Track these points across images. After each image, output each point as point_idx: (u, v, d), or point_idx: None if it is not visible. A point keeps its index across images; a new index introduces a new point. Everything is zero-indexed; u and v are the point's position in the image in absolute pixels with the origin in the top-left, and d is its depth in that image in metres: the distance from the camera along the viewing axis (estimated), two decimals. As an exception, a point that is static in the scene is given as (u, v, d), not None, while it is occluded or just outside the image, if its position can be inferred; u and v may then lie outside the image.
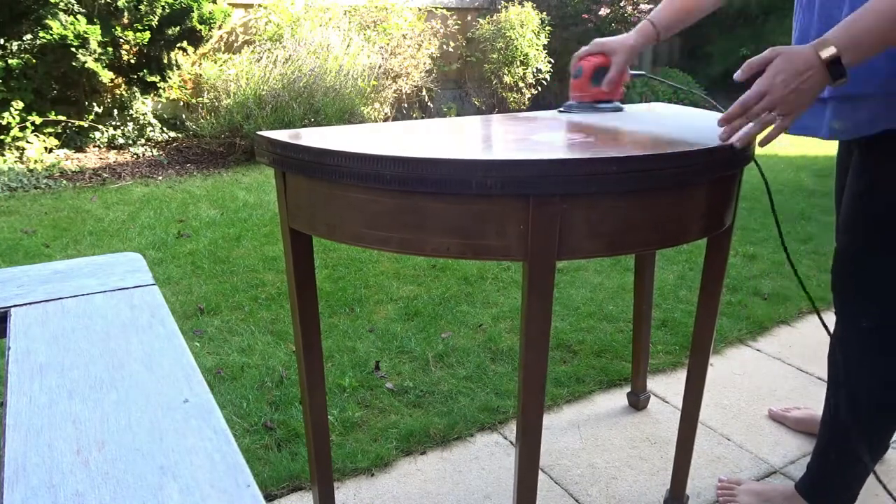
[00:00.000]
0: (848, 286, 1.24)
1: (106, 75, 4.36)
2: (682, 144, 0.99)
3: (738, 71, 1.02)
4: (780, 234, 1.24)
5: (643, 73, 1.49)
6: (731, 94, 1.41)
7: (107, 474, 0.48)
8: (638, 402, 1.84)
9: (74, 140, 4.54)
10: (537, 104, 6.38)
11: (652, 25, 1.35)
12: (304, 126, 4.39)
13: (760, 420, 1.81)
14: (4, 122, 4.09)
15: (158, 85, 4.72)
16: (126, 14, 4.40)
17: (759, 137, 1.02)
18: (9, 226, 3.19)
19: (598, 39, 1.35)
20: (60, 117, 4.38)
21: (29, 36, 4.12)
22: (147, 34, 4.46)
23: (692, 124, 1.22)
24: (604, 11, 6.24)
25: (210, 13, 4.65)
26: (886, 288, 1.18)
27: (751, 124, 0.99)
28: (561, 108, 1.40)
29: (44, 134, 4.34)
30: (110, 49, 4.35)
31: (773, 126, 0.99)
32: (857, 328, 1.23)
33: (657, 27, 1.35)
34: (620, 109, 1.39)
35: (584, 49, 1.36)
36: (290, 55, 4.72)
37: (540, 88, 6.27)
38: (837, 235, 1.25)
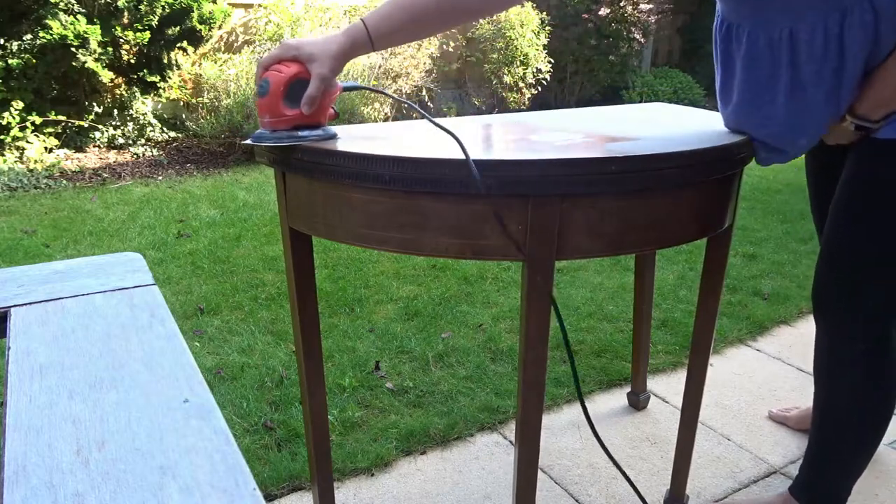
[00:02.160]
0: (841, 308, 1.21)
1: (106, 75, 4.36)
2: (681, 144, 0.99)
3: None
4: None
5: (358, 84, 1.12)
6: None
7: (107, 474, 0.49)
8: (638, 402, 1.84)
9: (74, 140, 4.54)
10: (537, 104, 6.38)
11: (364, 26, 1.00)
12: (304, 126, 4.38)
13: (760, 420, 1.81)
14: (4, 122, 4.09)
15: (158, 85, 4.72)
16: (126, 14, 4.40)
17: None
18: (9, 226, 3.19)
19: (289, 41, 0.99)
20: (60, 117, 4.38)
21: (29, 36, 4.12)
22: (147, 34, 4.46)
23: (691, 124, 1.22)
24: (604, 11, 6.24)
25: (210, 13, 4.65)
26: (880, 309, 1.18)
27: None
28: (249, 140, 1.02)
29: (44, 134, 4.34)
30: (110, 49, 4.35)
31: None
32: (847, 346, 1.22)
33: (370, 31, 1.00)
34: (333, 136, 1.03)
35: (270, 54, 0.98)
36: (290, 55, 4.71)
37: (540, 88, 6.27)
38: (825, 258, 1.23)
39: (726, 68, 1.18)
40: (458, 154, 0.90)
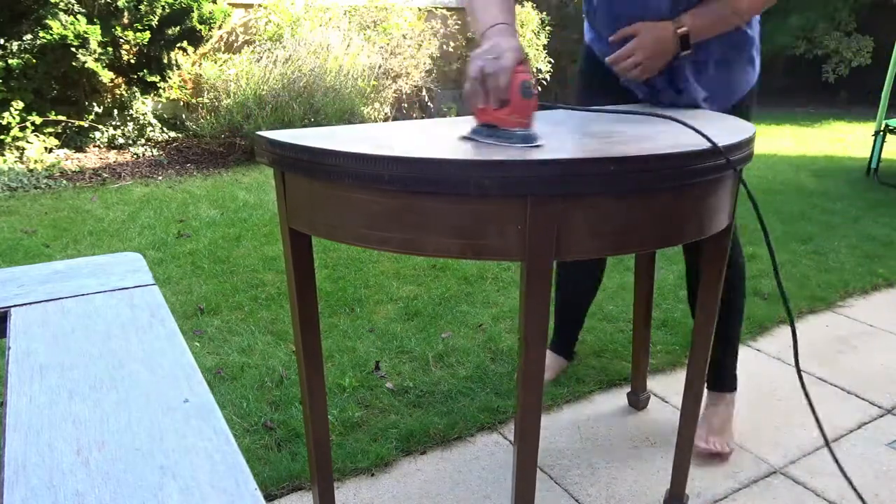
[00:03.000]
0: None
1: (106, 75, 4.36)
2: (680, 144, 0.99)
3: (613, 35, 1.39)
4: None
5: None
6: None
7: (107, 474, 0.49)
8: (638, 401, 1.84)
9: (74, 140, 4.55)
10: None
11: (508, 25, 1.16)
12: (304, 126, 4.39)
13: (760, 420, 1.81)
14: (4, 122, 4.09)
15: (158, 85, 4.73)
16: (126, 14, 4.40)
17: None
18: (9, 226, 3.19)
19: (498, 45, 1.03)
20: (60, 117, 4.38)
21: (29, 36, 4.12)
22: (147, 34, 4.46)
23: (691, 124, 1.21)
24: (604, 11, 6.24)
25: (210, 13, 4.65)
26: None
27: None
28: (487, 139, 1.02)
29: (44, 134, 4.34)
30: (110, 49, 4.35)
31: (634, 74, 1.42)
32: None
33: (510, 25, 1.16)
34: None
35: (509, 57, 1.01)
36: (290, 55, 4.72)
37: (540, 89, 6.27)
38: None
39: None
40: (457, 154, 0.90)
